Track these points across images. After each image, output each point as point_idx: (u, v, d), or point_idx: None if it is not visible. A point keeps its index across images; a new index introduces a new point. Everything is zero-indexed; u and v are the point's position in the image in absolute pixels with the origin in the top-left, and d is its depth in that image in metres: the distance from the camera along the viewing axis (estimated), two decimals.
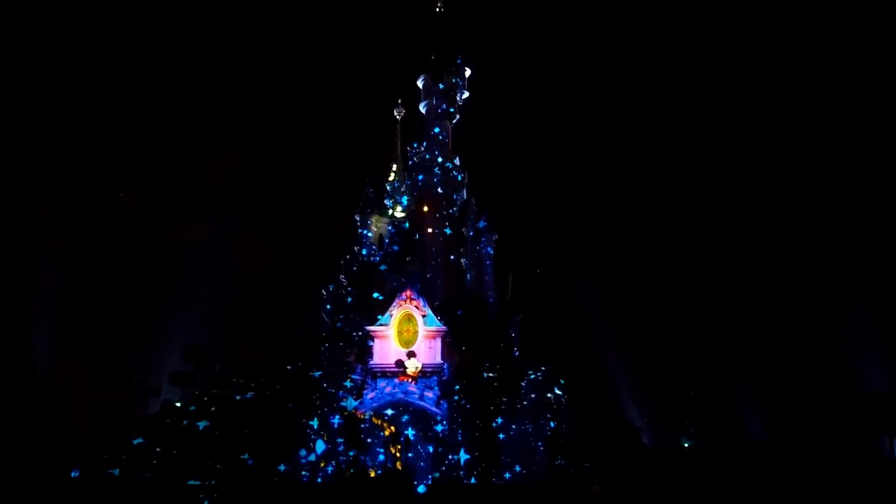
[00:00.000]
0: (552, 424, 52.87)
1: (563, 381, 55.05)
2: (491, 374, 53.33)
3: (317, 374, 52.85)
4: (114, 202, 76.50)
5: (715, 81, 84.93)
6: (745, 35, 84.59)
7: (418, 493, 43.75)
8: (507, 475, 48.55)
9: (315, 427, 50.52)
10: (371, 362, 54.15)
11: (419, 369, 52.58)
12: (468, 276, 62.21)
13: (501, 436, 51.71)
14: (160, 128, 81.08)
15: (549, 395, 54.03)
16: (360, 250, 62.00)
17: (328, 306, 59.63)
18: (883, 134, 71.64)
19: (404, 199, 63.26)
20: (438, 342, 54.65)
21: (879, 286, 61.89)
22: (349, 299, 58.16)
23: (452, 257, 61.16)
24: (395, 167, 65.33)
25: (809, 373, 56.23)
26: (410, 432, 50.36)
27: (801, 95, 79.02)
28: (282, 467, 47.46)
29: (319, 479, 47.94)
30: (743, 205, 77.26)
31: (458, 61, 63.20)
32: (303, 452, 48.56)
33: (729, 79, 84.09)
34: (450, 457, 48.87)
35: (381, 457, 49.05)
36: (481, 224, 62.55)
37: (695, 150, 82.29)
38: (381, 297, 56.70)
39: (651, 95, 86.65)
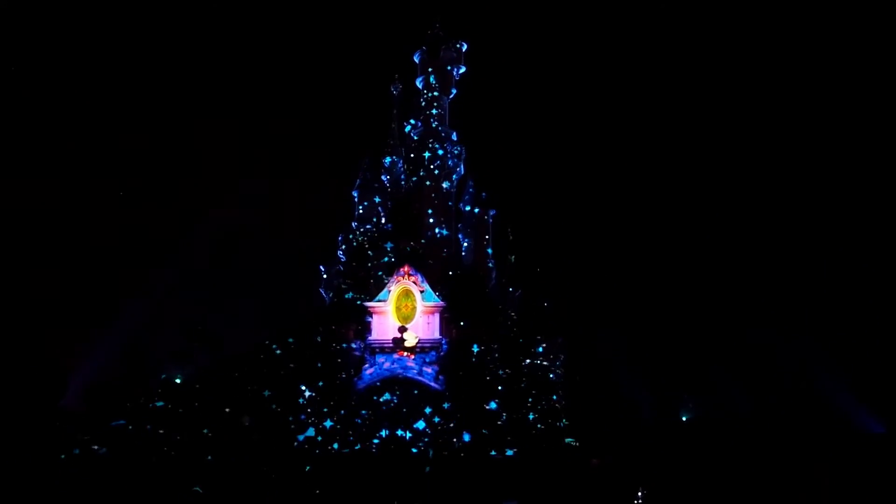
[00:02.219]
0: (553, 398, 53.13)
1: (562, 356, 55.20)
2: (489, 349, 53.38)
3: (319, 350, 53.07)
4: (111, 192, 76.17)
5: (715, 67, 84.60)
6: (745, 33, 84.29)
7: (423, 468, 43.99)
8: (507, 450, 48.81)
9: (315, 402, 50.81)
10: (369, 338, 54.25)
11: (418, 339, 52.83)
12: (466, 251, 62.23)
13: (504, 414, 52.09)
14: (151, 107, 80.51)
15: (547, 369, 54.29)
16: (357, 227, 61.87)
17: (326, 282, 59.64)
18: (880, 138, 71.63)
19: (402, 175, 62.99)
20: (437, 317, 54.72)
21: (870, 274, 62.30)
22: (347, 276, 58.20)
23: (450, 233, 61.16)
24: (391, 143, 64.94)
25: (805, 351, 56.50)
26: (413, 407, 50.46)
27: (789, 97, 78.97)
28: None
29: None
30: (740, 191, 77.29)
31: (456, 36, 62.94)
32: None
33: (728, 68, 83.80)
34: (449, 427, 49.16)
35: (384, 433, 49.17)
36: (479, 199, 62.54)
37: (694, 134, 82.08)
38: (379, 273, 56.75)
39: (651, 76, 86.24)
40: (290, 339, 54.46)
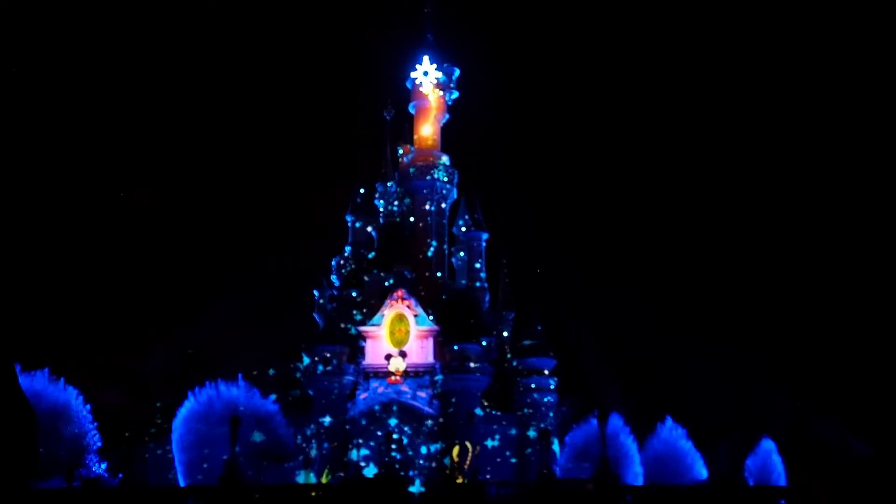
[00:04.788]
0: (550, 418, 53.31)
1: (555, 380, 55.41)
2: (483, 374, 53.50)
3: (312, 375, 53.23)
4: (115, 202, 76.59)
5: (707, 76, 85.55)
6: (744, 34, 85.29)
7: (417, 493, 43.98)
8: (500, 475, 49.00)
9: (310, 429, 51.05)
10: (363, 362, 54.24)
11: (400, 371, 52.82)
12: (460, 274, 62.47)
13: (497, 437, 52.38)
14: (154, 131, 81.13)
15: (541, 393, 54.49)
16: (351, 252, 62.02)
17: (320, 307, 59.78)
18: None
19: (395, 200, 63.12)
20: (430, 342, 54.76)
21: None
22: (341, 300, 58.25)
23: (444, 256, 61.40)
24: (385, 167, 65.09)
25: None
26: (406, 432, 50.52)
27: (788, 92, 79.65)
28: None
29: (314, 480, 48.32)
30: (739, 205, 78.03)
31: (447, 62, 63.28)
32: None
33: (719, 73, 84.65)
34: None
35: (377, 457, 49.29)
36: (472, 222, 62.85)
37: (687, 145, 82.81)
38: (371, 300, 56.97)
39: (642, 91, 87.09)
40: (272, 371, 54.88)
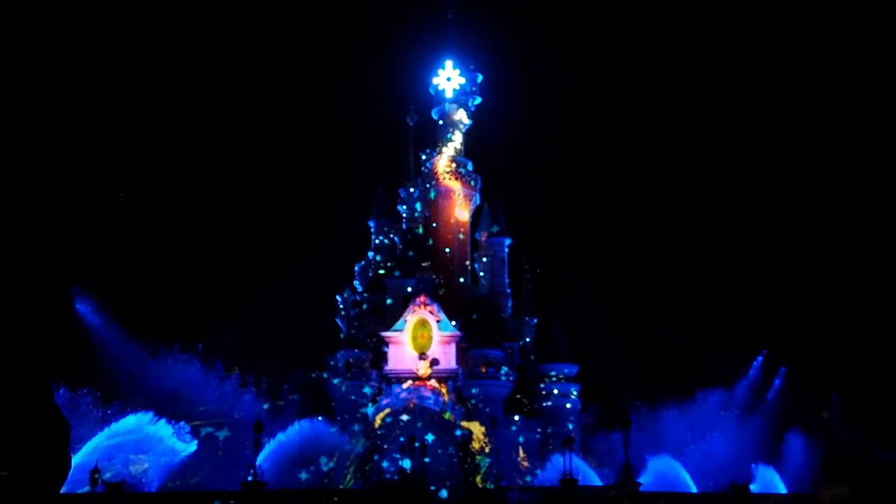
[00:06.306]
0: (569, 427, 53.18)
1: (578, 386, 55.33)
2: (506, 380, 53.50)
3: (335, 381, 53.47)
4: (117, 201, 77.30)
5: (731, 84, 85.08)
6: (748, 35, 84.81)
7: (440, 499, 43.97)
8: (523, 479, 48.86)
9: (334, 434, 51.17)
10: (386, 368, 54.43)
11: (425, 374, 52.94)
12: (482, 280, 62.48)
13: (521, 439, 52.28)
14: (168, 147, 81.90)
15: (564, 399, 54.39)
16: (374, 257, 62.20)
17: (342, 312, 59.95)
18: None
19: (417, 206, 63.27)
20: (453, 347, 54.84)
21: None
22: (364, 306, 58.45)
23: (466, 262, 61.40)
24: (407, 173, 65.24)
25: None
26: (429, 437, 50.49)
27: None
28: (302, 475, 48.10)
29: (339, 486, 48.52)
30: (773, 210, 77.60)
31: (471, 67, 63.28)
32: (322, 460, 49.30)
33: (750, 82, 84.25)
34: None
35: (400, 463, 49.29)
36: (495, 228, 62.83)
37: (711, 156, 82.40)
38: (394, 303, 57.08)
39: (658, 95, 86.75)
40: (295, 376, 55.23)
